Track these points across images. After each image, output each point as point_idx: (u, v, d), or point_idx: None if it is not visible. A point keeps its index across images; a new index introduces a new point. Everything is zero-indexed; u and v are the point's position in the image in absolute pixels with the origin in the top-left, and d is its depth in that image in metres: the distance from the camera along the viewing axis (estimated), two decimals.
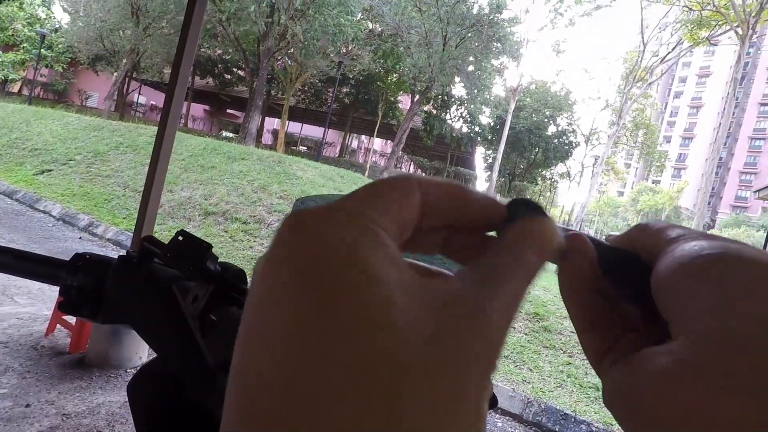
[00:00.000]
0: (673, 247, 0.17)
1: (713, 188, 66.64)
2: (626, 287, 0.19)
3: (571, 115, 29.16)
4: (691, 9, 11.24)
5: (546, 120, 28.76)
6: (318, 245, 0.12)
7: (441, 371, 0.12)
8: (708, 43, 12.09)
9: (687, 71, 78.03)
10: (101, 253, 0.53)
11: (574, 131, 29.27)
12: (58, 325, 3.11)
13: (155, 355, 0.58)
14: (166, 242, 0.48)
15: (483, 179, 37.84)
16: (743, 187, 68.43)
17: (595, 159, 29.56)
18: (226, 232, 7.35)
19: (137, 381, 0.54)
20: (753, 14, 9.58)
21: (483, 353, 0.12)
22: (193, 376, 0.49)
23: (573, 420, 4.03)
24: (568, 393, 4.34)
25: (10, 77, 24.62)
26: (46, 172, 9.71)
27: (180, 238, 0.45)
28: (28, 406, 2.26)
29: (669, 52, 11.83)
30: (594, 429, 3.95)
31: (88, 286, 0.49)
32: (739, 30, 9.80)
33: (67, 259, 0.54)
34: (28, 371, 2.64)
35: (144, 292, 0.49)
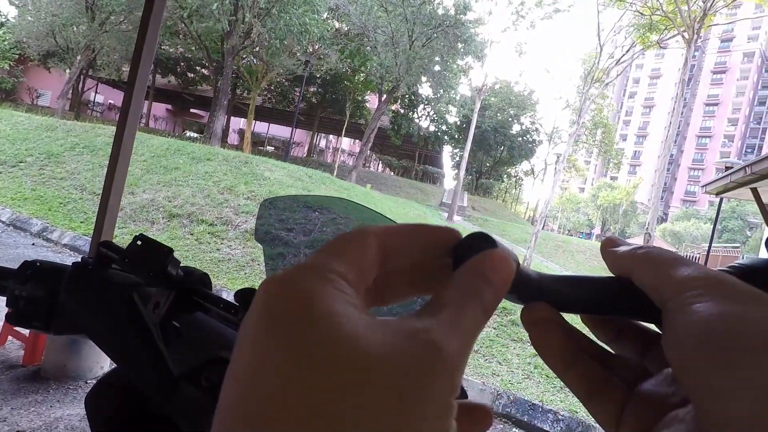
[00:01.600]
0: (686, 301, 0.17)
1: (665, 183, 70.35)
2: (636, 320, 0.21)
3: (534, 115, 30.04)
4: (642, 14, 11.84)
5: (510, 119, 29.50)
6: (283, 298, 0.15)
7: (401, 402, 0.13)
8: (658, 46, 12.78)
9: (640, 72, 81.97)
10: (54, 260, 0.51)
11: (537, 130, 30.16)
12: (10, 337, 2.94)
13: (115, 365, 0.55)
14: (122, 248, 0.47)
15: (451, 177, 38.42)
16: (692, 183, 72.60)
17: (557, 157, 30.58)
18: (191, 234, 7.14)
19: (95, 393, 0.53)
20: (697, 20, 10.18)
21: (441, 387, 0.14)
22: (155, 385, 0.47)
23: (540, 410, 4.17)
24: (535, 384, 4.48)
25: None
26: None
27: (138, 242, 0.44)
28: None
29: (623, 55, 12.42)
30: (560, 417, 4.10)
31: (39, 296, 0.46)
32: (686, 34, 10.39)
33: (15, 267, 0.51)
34: None
35: (102, 300, 0.47)
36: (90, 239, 6.46)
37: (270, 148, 29.43)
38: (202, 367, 0.44)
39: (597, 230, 49.17)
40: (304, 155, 29.21)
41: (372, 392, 0.13)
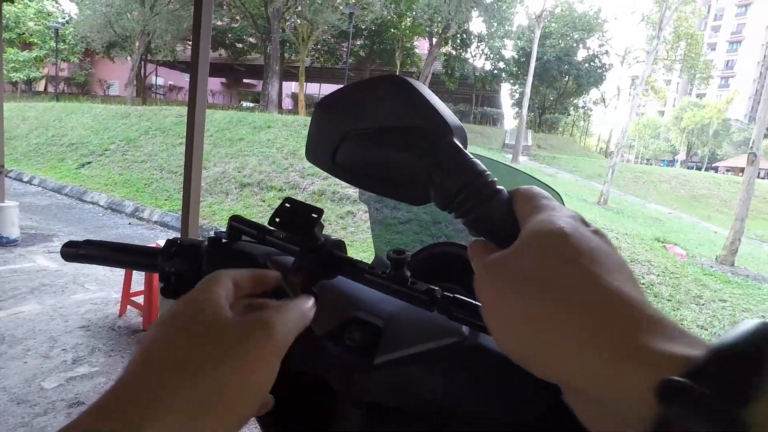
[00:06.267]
0: None
1: None
2: None
3: (603, 36, 27.04)
4: None
5: (575, 44, 26.83)
6: (183, 301, 0.26)
7: (238, 360, 0.24)
8: None
9: None
10: (193, 238, 0.54)
11: (606, 52, 27.20)
12: (129, 306, 3.29)
13: None
14: (251, 220, 0.49)
15: (511, 116, 36.40)
16: None
17: (633, 80, 27.62)
18: (263, 201, 7.47)
19: None
20: None
21: (268, 353, 0.25)
22: (301, 346, 0.48)
23: None
24: None
25: (32, 75, 25.19)
26: (86, 164, 10.08)
27: (287, 204, 0.43)
28: None
29: None
30: None
31: (184, 270, 0.50)
32: None
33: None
34: (112, 350, 2.84)
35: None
36: (175, 215, 6.98)
37: None
38: (343, 327, 0.44)
39: (682, 156, 44.53)
40: None
41: (219, 344, 0.24)
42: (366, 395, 0.43)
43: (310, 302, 0.31)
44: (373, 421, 0.47)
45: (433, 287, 0.38)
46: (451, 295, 0.37)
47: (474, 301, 0.37)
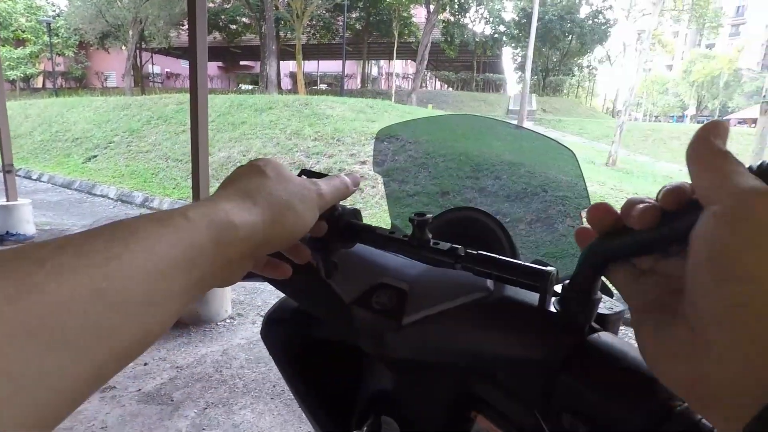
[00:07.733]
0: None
1: None
2: None
3: None
4: None
5: (577, 1, 25.93)
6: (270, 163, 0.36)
7: (302, 203, 0.33)
8: None
9: None
10: None
11: (611, 7, 26.25)
12: None
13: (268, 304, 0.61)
14: None
15: (514, 81, 35.61)
16: None
17: (639, 34, 26.71)
18: None
19: (267, 328, 0.60)
20: None
21: (314, 204, 0.34)
22: (332, 314, 0.50)
23: None
24: None
25: (28, 72, 25.04)
26: (92, 158, 10.12)
27: (303, 177, 0.44)
28: (146, 364, 2.53)
29: None
30: None
31: None
32: None
33: None
34: None
35: None
36: (187, 202, 7.03)
37: (323, 86, 29.19)
38: (369, 293, 0.46)
39: (691, 111, 43.42)
40: (359, 86, 28.57)
41: (294, 194, 0.33)
42: (396, 354, 0.44)
43: (351, 179, 0.39)
44: (403, 376, 0.49)
45: (455, 245, 0.39)
46: (474, 252, 0.37)
47: (498, 256, 0.37)
